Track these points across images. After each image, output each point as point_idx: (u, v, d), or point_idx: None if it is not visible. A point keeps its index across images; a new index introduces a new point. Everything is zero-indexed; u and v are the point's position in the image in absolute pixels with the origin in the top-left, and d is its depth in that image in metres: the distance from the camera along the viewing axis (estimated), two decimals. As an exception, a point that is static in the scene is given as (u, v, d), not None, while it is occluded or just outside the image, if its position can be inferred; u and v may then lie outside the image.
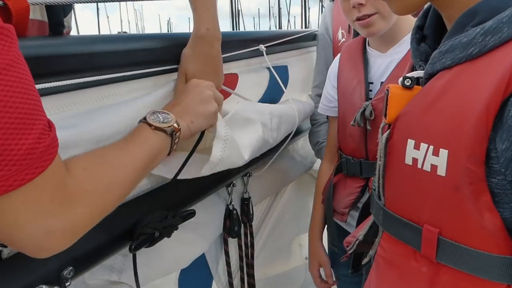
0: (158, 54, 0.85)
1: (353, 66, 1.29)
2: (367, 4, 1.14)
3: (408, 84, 0.63)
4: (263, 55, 1.28)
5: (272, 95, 1.44)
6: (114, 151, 0.61)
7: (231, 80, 1.17)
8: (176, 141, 0.70)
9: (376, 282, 0.72)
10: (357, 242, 0.78)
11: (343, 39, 1.60)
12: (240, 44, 1.19)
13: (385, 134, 0.65)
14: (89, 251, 0.70)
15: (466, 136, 0.51)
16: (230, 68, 1.18)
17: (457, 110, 0.53)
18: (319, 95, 1.64)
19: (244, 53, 1.22)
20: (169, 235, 0.83)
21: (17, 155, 0.42)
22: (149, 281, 0.92)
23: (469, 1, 0.57)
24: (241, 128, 1.05)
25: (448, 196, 0.55)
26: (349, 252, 0.81)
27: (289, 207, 1.81)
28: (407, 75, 0.63)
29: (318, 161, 1.81)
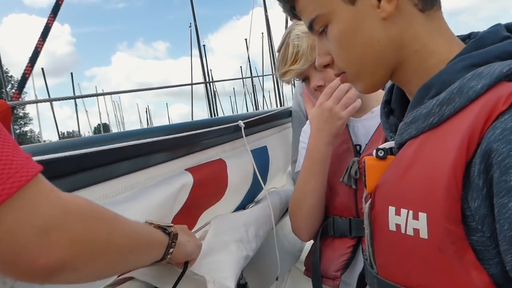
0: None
1: None
2: (326, 84, 1.17)
3: (381, 155, 0.70)
4: (243, 136, 1.31)
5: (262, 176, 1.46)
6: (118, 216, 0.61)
7: (220, 167, 1.19)
8: (173, 244, 0.71)
9: None
10: None
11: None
12: (220, 125, 1.22)
13: (367, 203, 0.69)
14: None
15: (440, 198, 0.54)
16: (217, 154, 1.21)
17: (428, 175, 0.57)
18: (299, 171, 1.68)
19: (226, 136, 1.25)
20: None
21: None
22: None
23: (423, 77, 0.64)
24: (219, 253, 1.04)
25: (434, 258, 0.56)
26: None
27: None
28: (380, 147, 0.70)
29: (306, 249, 1.84)
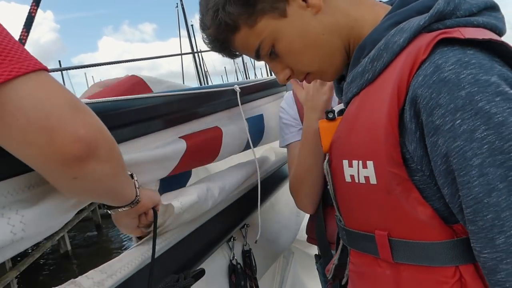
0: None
1: None
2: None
3: (331, 116, 0.76)
4: (238, 102, 1.29)
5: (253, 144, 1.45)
6: None
7: (216, 134, 1.17)
8: (138, 187, 0.72)
9: None
10: (333, 266, 0.85)
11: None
12: (217, 93, 1.20)
13: (326, 160, 0.76)
14: None
15: (382, 145, 0.60)
16: (212, 121, 1.19)
17: (370, 126, 0.63)
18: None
19: (222, 103, 1.23)
20: (184, 298, 0.79)
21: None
22: None
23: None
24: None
25: (385, 200, 0.63)
26: (329, 278, 0.88)
27: None
28: (328, 109, 0.77)
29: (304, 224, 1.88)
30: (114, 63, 1.00)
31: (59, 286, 0.63)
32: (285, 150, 1.85)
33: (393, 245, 0.65)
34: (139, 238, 0.87)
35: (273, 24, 0.70)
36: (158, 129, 0.91)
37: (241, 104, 1.31)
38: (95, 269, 0.70)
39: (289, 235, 1.81)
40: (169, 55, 1.40)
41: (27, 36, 1.07)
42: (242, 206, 1.31)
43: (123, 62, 1.03)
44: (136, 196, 0.70)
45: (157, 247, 0.83)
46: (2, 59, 0.45)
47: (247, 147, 1.38)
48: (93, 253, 10.15)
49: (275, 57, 0.75)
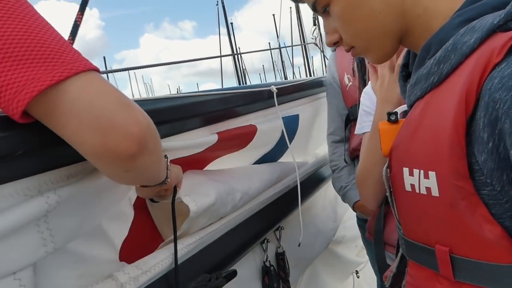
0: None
1: None
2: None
3: (393, 118, 0.71)
4: (275, 103, 1.29)
5: (282, 144, 1.45)
6: None
7: (250, 130, 1.18)
8: (169, 165, 0.75)
9: None
10: (391, 274, 0.80)
11: (350, 83, 1.62)
12: (254, 93, 1.21)
13: (385, 166, 0.71)
14: None
15: (446, 156, 0.54)
16: (248, 120, 1.19)
17: (433, 134, 0.57)
18: (336, 142, 1.65)
19: (258, 104, 1.23)
20: (215, 299, 0.80)
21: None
22: None
23: (424, 39, 0.64)
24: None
25: (447, 214, 0.57)
26: (387, 286, 0.82)
27: None
28: (390, 111, 0.71)
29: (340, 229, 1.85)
30: (158, 65, 1.03)
31: (98, 279, 0.66)
32: (322, 153, 1.84)
33: (455, 263, 0.59)
34: (151, 200, 0.89)
35: None
36: (194, 127, 0.92)
37: (278, 104, 1.31)
38: (131, 264, 0.72)
39: (324, 240, 1.80)
40: (210, 57, 1.42)
41: (72, 43, 1.10)
42: (277, 208, 1.31)
43: (165, 64, 1.06)
44: (167, 177, 0.73)
45: (190, 247, 0.84)
46: (55, 61, 0.47)
47: (279, 143, 1.38)
48: None
49: (329, 17, 0.71)
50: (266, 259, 1.27)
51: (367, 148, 1.15)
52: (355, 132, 1.37)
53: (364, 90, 1.36)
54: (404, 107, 0.73)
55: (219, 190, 0.96)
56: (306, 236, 1.60)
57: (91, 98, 0.48)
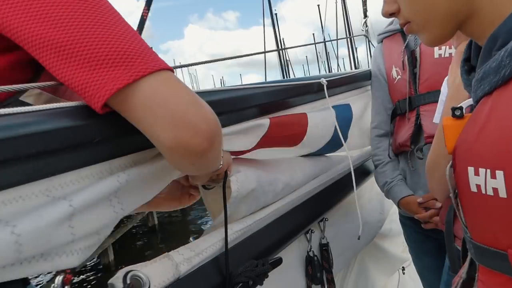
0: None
1: None
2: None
3: (458, 114, 0.66)
4: (325, 95, 1.29)
5: (343, 131, 1.45)
6: None
7: (302, 118, 1.19)
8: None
9: None
10: (461, 281, 0.75)
11: (399, 77, 1.57)
12: (304, 86, 1.22)
13: (449, 165, 0.67)
14: None
15: None
16: (300, 110, 1.20)
17: (502, 131, 0.54)
18: (379, 136, 1.62)
19: (309, 96, 1.24)
20: (261, 283, 0.83)
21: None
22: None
23: (493, 27, 0.58)
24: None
25: None
26: None
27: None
28: (455, 106, 0.67)
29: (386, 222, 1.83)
30: (211, 61, 1.06)
31: (155, 258, 0.70)
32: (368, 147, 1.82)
33: None
34: (204, 186, 0.93)
35: None
36: (248, 118, 0.94)
37: (329, 96, 1.31)
38: (185, 246, 0.76)
39: (370, 232, 1.78)
40: (255, 53, 1.42)
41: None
42: (322, 200, 1.32)
43: (218, 61, 1.08)
44: (220, 164, 0.76)
45: (238, 233, 0.87)
46: (133, 61, 0.51)
47: (334, 135, 1.38)
48: (175, 231, 10.93)
49: None
50: (310, 249, 1.28)
51: (435, 140, 1.12)
52: (434, 121, 1.33)
53: (446, 78, 1.32)
54: (470, 101, 0.69)
55: (260, 178, 0.99)
56: (351, 228, 1.60)
57: (165, 96, 0.52)
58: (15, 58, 0.58)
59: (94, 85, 0.50)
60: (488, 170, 0.56)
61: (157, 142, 0.54)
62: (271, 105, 1.03)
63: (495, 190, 0.55)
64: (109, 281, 0.62)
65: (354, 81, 1.63)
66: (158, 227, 11.26)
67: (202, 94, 0.78)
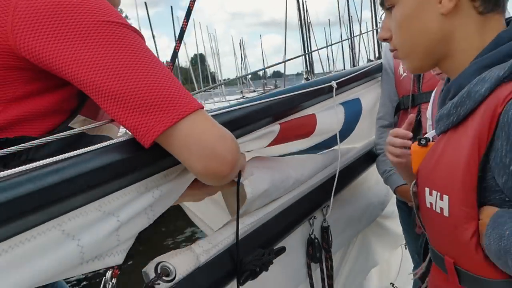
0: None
1: None
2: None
3: (423, 143, 0.83)
4: (334, 95, 1.41)
5: (350, 125, 1.57)
6: None
7: (310, 120, 1.31)
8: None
9: None
10: (421, 272, 0.95)
11: (405, 74, 1.67)
12: (314, 91, 1.33)
13: (413, 183, 0.85)
14: (211, 284, 0.90)
15: (459, 185, 0.67)
16: (307, 112, 1.32)
17: (450, 166, 0.69)
18: (383, 126, 1.74)
19: (319, 97, 1.35)
20: (267, 269, 0.99)
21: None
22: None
23: (461, 69, 0.72)
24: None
25: (453, 233, 0.70)
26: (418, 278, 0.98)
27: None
28: (422, 136, 0.83)
29: (389, 204, 1.94)
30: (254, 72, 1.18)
31: (178, 249, 0.86)
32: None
33: (459, 272, 0.72)
34: None
35: None
36: (261, 127, 1.07)
37: (338, 94, 1.42)
38: (205, 238, 0.92)
39: (371, 214, 1.91)
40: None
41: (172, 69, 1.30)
42: (327, 189, 1.46)
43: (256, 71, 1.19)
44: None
45: (248, 224, 1.02)
46: (173, 105, 0.66)
47: (342, 131, 1.50)
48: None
49: (390, 15, 0.79)
50: (312, 232, 1.43)
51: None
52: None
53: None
54: (433, 133, 0.83)
55: (273, 178, 1.12)
56: (354, 210, 1.74)
57: (199, 135, 0.67)
58: (67, 92, 0.72)
59: (144, 127, 0.65)
60: (438, 193, 0.72)
61: (191, 169, 0.70)
62: (282, 112, 1.16)
63: (441, 209, 0.71)
64: (143, 270, 0.79)
65: (365, 76, 1.72)
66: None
67: (217, 114, 0.92)
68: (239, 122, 0.94)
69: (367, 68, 1.73)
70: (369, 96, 1.79)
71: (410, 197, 1.59)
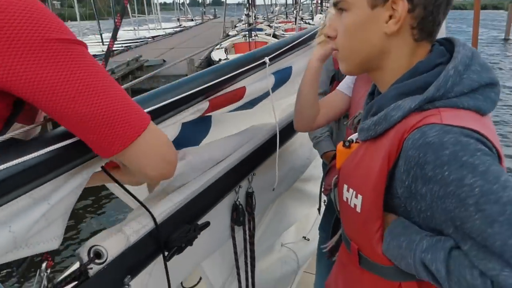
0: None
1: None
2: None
3: (347, 145, 0.94)
4: (267, 68, 1.44)
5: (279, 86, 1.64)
6: None
7: (239, 92, 1.34)
8: None
9: (335, 274, 1.08)
10: (331, 245, 1.13)
11: None
12: (247, 65, 1.35)
13: (335, 177, 0.98)
14: (140, 261, 0.96)
15: (370, 188, 0.79)
16: (239, 84, 1.35)
17: (366, 172, 0.80)
18: (318, 94, 1.82)
19: (252, 69, 1.38)
20: (191, 244, 1.06)
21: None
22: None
23: (387, 82, 0.83)
24: None
25: (362, 227, 0.85)
26: (327, 251, 1.16)
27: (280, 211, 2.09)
28: (347, 139, 0.95)
29: (310, 166, 2.07)
30: None
31: (110, 230, 0.89)
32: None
33: (360, 257, 0.89)
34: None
35: (361, 2, 0.79)
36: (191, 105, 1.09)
37: (270, 65, 1.46)
38: (135, 220, 0.95)
39: (293, 177, 2.03)
40: None
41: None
42: (254, 158, 1.53)
43: None
44: None
45: (177, 204, 1.07)
46: (131, 120, 0.71)
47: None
48: None
49: (339, 16, 0.84)
50: (237, 199, 1.52)
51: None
52: (339, 88, 1.59)
53: None
54: (356, 135, 0.94)
55: (185, 163, 1.16)
56: (274, 177, 1.84)
57: (154, 146, 0.75)
58: (3, 102, 0.70)
59: (104, 144, 0.70)
60: (354, 192, 0.84)
61: (145, 176, 0.79)
62: (212, 90, 1.18)
63: (355, 205, 0.84)
64: (76, 252, 0.82)
65: (299, 45, 1.75)
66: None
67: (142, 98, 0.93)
68: (171, 106, 0.96)
69: (301, 38, 1.76)
70: (301, 62, 1.83)
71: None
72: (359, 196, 0.82)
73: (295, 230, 2.54)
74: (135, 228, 0.93)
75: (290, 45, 1.65)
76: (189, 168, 1.14)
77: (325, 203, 2.59)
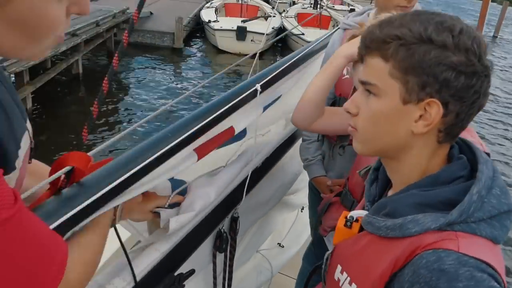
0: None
1: None
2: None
3: (348, 225, 0.90)
4: (258, 98, 1.40)
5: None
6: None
7: (227, 132, 1.31)
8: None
9: None
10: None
11: (347, 76, 1.69)
12: (240, 100, 1.31)
13: (328, 252, 0.95)
14: None
15: (368, 284, 0.77)
16: (230, 121, 1.29)
17: (368, 266, 0.78)
18: None
19: (243, 99, 1.33)
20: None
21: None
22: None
23: (402, 182, 0.82)
24: None
25: None
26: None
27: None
28: (348, 217, 0.91)
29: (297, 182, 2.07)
30: None
31: None
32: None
33: None
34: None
35: (393, 93, 0.76)
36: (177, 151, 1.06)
37: (260, 94, 1.42)
38: (119, 277, 0.95)
39: (279, 195, 2.01)
40: None
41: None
42: (239, 191, 1.53)
43: None
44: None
45: (164, 253, 1.07)
46: (52, 259, 0.64)
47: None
48: (99, 79, 10.40)
49: (366, 98, 0.82)
50: (222, 227, 1.51)
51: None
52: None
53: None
54: (362, 213, 0.90)
55: (202, 200, 1.18)
56: (264, 194, 1.81)
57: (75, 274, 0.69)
58: None
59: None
60: (349, 278, 0.83)
61: None
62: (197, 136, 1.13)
63: None
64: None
65: (289, 70, 1.71)
66: (82, 75, 10.69)
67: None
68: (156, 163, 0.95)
69: (291, 62, 1.71)
70: (289, 88, 1.79)
71: (325, 190, 1.75)
72: (354, 285, 0.81)
73: (270, 236, 2.54)
74: (120, 286, 0.93)
75: (282, 68, 1.61)
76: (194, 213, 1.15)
77: (302, 211, 2.62)
